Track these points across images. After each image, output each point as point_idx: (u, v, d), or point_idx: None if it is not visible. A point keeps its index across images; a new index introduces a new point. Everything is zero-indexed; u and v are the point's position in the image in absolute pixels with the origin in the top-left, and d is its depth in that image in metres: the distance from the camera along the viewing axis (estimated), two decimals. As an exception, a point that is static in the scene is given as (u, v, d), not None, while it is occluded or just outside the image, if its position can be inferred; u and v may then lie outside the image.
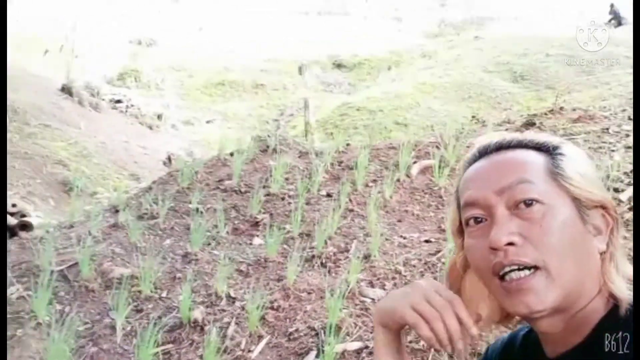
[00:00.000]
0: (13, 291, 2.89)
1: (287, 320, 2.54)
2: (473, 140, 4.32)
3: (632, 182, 3.18)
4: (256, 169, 4.35)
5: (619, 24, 13.67)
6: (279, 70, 14.61)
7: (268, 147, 4.70)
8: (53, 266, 3.10)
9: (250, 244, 3.41)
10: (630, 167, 3.39)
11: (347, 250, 3.09)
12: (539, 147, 0.75)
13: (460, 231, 0.79)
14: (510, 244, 0.68)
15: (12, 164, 6.48)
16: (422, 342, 2.16)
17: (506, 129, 4.75)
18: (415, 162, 4.06)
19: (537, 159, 0.73)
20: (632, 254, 0.82)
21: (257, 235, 3.48)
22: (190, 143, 10.16)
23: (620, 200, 3.04)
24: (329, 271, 2.92)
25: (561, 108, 5.03)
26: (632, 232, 2.57)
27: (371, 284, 2.71)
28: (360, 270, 2.77)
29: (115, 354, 2.48)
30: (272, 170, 4.09)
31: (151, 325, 2.43)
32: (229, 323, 2.58)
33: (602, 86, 7.60)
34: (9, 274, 2.98)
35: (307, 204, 3.72)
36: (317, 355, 2.25)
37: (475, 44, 13.46)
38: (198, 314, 2.61)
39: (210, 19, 18.54)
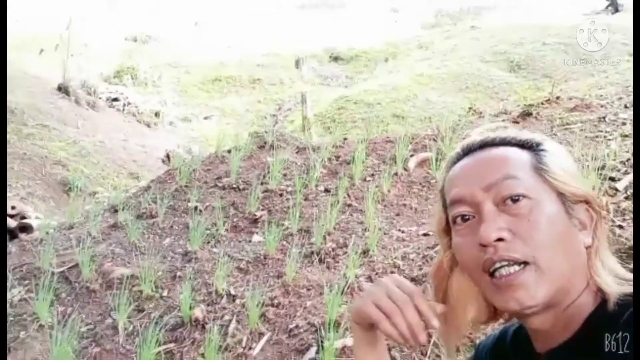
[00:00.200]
0: (15, 294, 2.91)
1: (287, 316, 2.56)
2: (470, 132, 4.34)
3: (628, 170, 3.19)
4: (254, 165, 4.36)
5: (616, 10, 13.62)
6: (275, 64, 14.58)
7: (265, 143, 4.70)
8: (54, 268, 3.13)
9: (250, 241, 3.43)
10: (627, 155, 3.39)
11: (346, 246, 3.11)
12: (522, 144, 0.76)
13: (446, 231, 0.80)
14: (500, 239, 0.68)
15: (11, 165, 6.48)
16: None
17: (503, 120, 4.75)
18: (412, 155, 4.06)
19: (521, 155, 0.74)
20: (632, 253, 0.83)
21: (256, 232, 3.50)
22: (188, 140, 10.16)
23: (616, 189, 3.05)
24: (328, 267, 2.93)
25: (558, 97, 5.02)
26: (628, 221, 2.58)
27: (370, 279, 2.73)
28: (359, 265, 2.79)
29: (118, 354, 2.50)
30: (270, 166, 4.10)
31: (152, 324, 2.45)
32: (229, 321, 2.60)
33: (599, 74, 7.58)
34: (10, 276, 3.00)
35: (305, 199, 3.73)
36: (317, 351, 2.26)
37: (472, 34, 13.42)
38: (199, 312, 2.63)
39: (205, 13, 18.46)
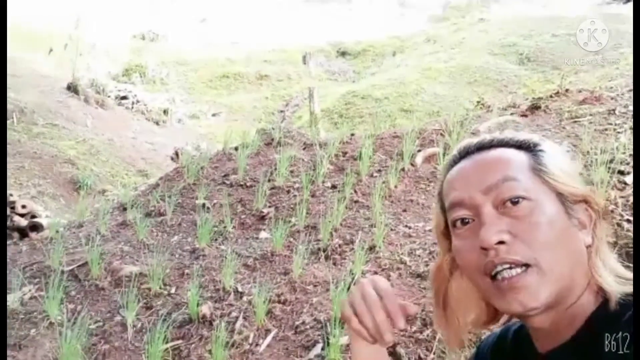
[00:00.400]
0: (25, 292, 2.95)
1: (294, 313, 2.57)
2: (478, 126, 4.30)
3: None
4: (261, 162, 4.37)
5: (628, 0, 13.42)
6: (282, 60, 14.58)
7: (272, 139, 4.71)
8: (63, 266, 3.16)
9: (257, 238, 3.44)
10: (637, 148, 3.35)
11: (353, 242, 3.10)
12: (520, 145, 0.75)
13: (445, 234, 0.79)
14: (501, 242, 0.68)
15: (22, 164, 6.56)
16: (425, 332, 2.18)
17: (511, 114, 4.71)
18: (419, 151, 4.04)
19: (519, 156, 0.74)
20: (632, 253, 0.82)
21: (264, 229, 3.51)
22: (197, 137, 10.20)
23: (625, 183, 3.01)
24: (334, 263, 2.93)
25: (567, 90, 4.96)
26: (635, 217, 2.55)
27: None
28: (365, 261, 2.78)
29: (126, 351, 2.52)
30: (277, 163, 4.10)
31: (160, 321, 2.47)
32: (236, 317, 2.61)
33: (609, 65, 7.49)
34: (20, 275, 3.04)
35: (312, 196, 3.73)
36: (323, 348, 2.27)
37: (480, 26, 13.30)
38: (206, 309, 2.65)
39: (212, 10, 18.48)
